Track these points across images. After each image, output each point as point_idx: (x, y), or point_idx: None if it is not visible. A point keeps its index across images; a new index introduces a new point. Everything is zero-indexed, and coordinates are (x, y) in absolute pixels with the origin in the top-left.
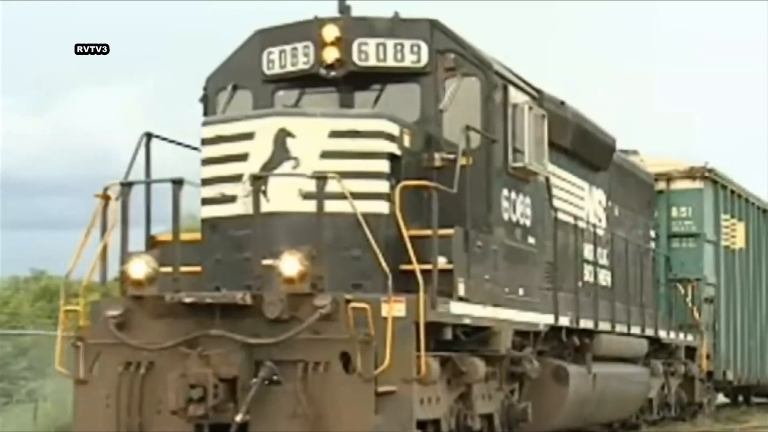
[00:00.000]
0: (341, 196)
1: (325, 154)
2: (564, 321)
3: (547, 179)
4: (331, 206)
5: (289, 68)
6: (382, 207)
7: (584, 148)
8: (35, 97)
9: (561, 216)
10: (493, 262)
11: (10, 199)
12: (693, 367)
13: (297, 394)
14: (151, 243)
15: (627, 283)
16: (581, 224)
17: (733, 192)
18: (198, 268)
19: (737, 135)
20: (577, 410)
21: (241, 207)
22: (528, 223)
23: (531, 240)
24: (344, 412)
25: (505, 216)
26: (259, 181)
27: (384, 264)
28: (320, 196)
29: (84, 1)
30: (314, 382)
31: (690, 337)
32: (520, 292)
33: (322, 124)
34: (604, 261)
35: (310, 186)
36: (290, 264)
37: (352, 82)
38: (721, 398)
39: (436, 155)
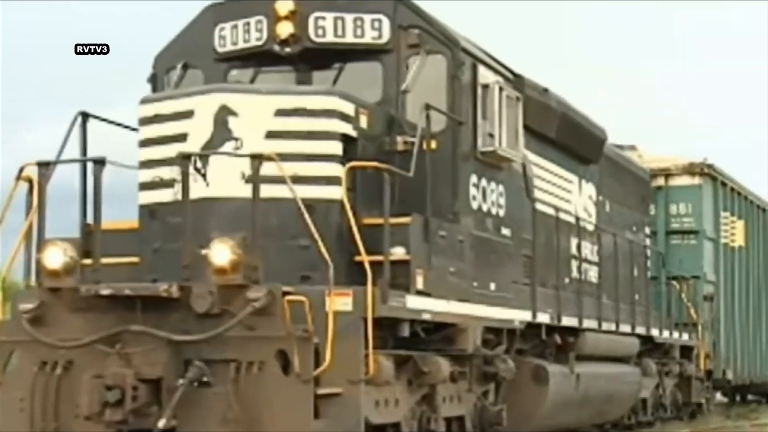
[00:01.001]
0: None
1: (271, 134)
2: (543, 318)
3: (524, 167)
4: (276, 191)
5: (242, 45)
6: (334, 192)
7: (571, 138)
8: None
9: (542, 208)
10: (459, 254)
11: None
12: (689, 367)
13: (228, 396)
14: (87, 231)
15: (617, 281)
16: (566, 218)
17: (732, 189)
18: (136, 259)
19: (737, 134)
20: (559, 412)
21: (179, 192)
22: (501, 213)
23: (505, 231)
24: (280, 416)
25: (474, 204)
26: (187, 161)
27: (326, 254)
28: (256, 178)
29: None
30: (248, 383)
31: (686, 336)
32: (492, 286)
33: (267, 102)
34: (592, 257)
35: None
36: (221, 252)
37: (308, 59)
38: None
39: (399, 138)
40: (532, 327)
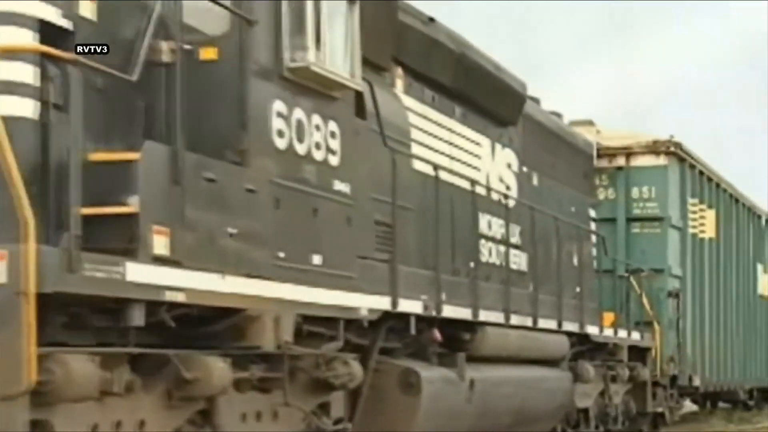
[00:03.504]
0: None
1: None
2: (410, 307)
3: (376, 105)
4: None
5: None
6: (24, 108)
7: (476, 89)
8: None
9: (421, 167)
10: (249, 210)
11: None
12: (643, 371)
13: None
14: None
15: (537, 266)
16: (462, 184)
17: (702, 173)
18: None
19: (735, 133)
20: (441, 428)
21: None
22: (334, 160)
23: (340, 186)
24: None
25: (281, 143)
26: None
27: None
28: None
29: None
30: None
31: (636, 335)
32: (316, 259)
33: None
34: (508, 237)
35: None
36: None
37: None
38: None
39: (164, 45)
40: (399, 318)
